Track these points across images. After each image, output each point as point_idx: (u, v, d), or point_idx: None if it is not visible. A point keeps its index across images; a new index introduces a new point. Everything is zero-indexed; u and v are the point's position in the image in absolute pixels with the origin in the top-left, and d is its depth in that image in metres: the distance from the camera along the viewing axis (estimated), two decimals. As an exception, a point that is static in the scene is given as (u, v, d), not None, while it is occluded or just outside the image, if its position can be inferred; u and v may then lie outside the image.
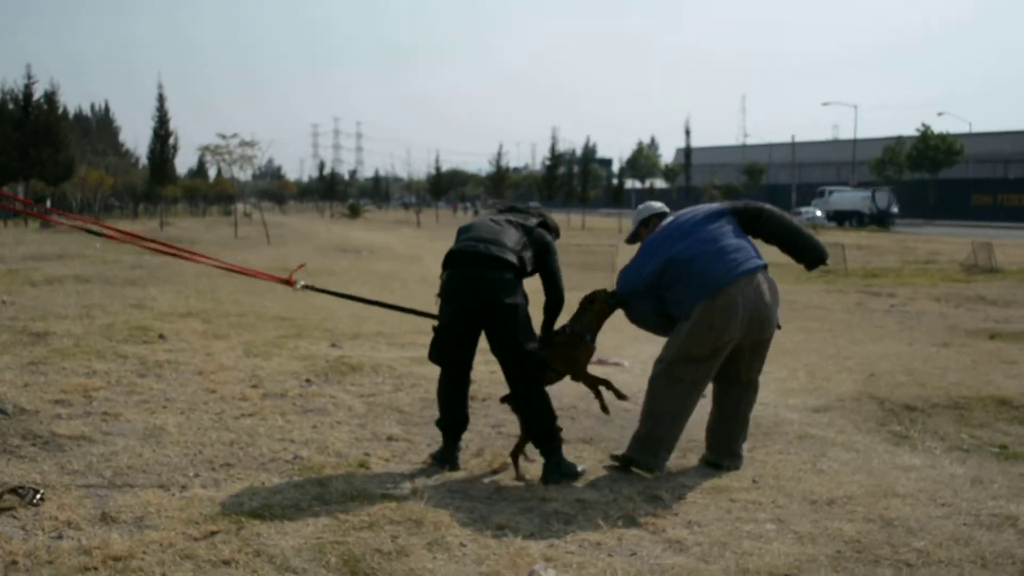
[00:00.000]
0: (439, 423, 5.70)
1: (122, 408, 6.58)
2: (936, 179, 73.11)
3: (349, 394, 7.36)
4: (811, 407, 7.38)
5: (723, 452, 5.81)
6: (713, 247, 5.53)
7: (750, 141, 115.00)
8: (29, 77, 47.20)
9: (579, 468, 5.51)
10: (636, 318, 5.85)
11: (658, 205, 6.16)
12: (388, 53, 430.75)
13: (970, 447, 6.38)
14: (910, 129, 74.98)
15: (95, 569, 3.89)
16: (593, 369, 6.04)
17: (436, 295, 5.66)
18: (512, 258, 5.37)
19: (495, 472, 5.50)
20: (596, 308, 5.75)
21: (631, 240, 6.17)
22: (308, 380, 7.73)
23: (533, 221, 5.69)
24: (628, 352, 9.40)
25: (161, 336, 9.45)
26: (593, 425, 6.60)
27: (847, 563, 4.18)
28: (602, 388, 5.78)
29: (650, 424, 5.58)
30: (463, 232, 5.64)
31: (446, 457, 5.62)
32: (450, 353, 5.59)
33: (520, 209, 5.90)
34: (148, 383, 7.38)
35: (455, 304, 5.47)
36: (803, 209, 73.03)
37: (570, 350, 5.70)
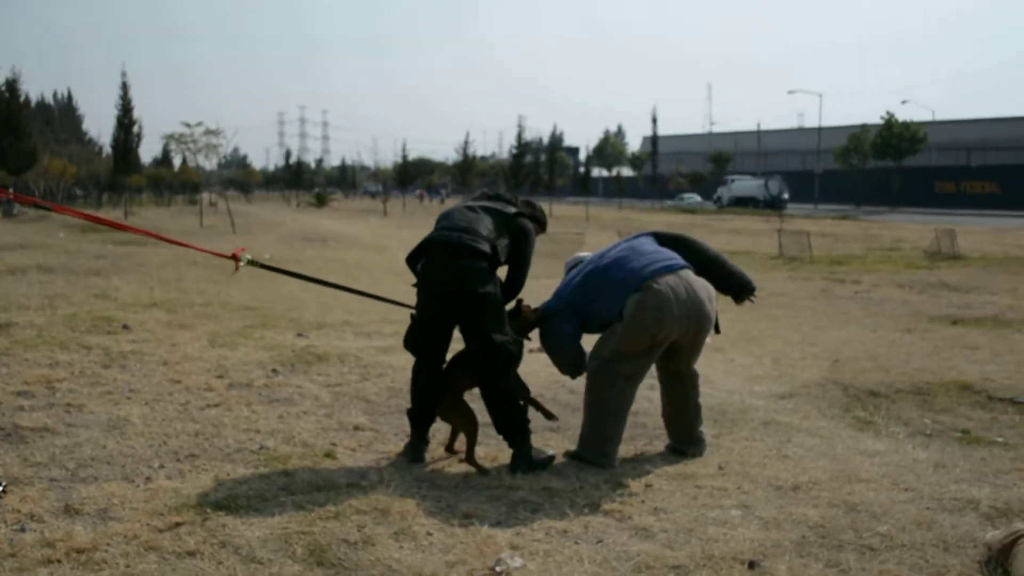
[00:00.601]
0: (409, 412, 5.66)
1: (86, 399, 6.53)
2: (900, 167, 73.76)
3: (315, 384, 7.33)
4: (776, 394, 7.43)
5: (685, 440, 5.84)
6: (631, 252, 5.61)
7: (716, 129, 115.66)
8: (-10, 65, 46.57)
9: (549, 452, 5.53)
10: (551, 338, 5.74)
11: (587, 254, 6.06)
12: (355, 41, 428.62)
13: (933, 432, 6.45)
14: (874, 117, 75.68)
15: (58, 562, 3.85)
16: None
17: (412, 284, 5.61)
18: (485, 247, 5.30)
19: (462, 461, 5.49)
20: (520, 321, 5.70)
21: None
22: (274, 370, 7.69)
23: (512, 209, 5.63)
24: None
25: (125, 326, 9.37)
26: (559, 413, 6.57)
27: (811, 548, 4.22)
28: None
29: (593, 422, 5.58)
30: (441, 220, 5.58)
31: (410, 448, 5.59)
32: (424, 342, 5.54)
33: (504, 198, 5.82)
34: (112, 374, 7.32)
35: (428, 293, 5.43)
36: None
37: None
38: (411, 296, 5.66)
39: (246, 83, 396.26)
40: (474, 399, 5.68)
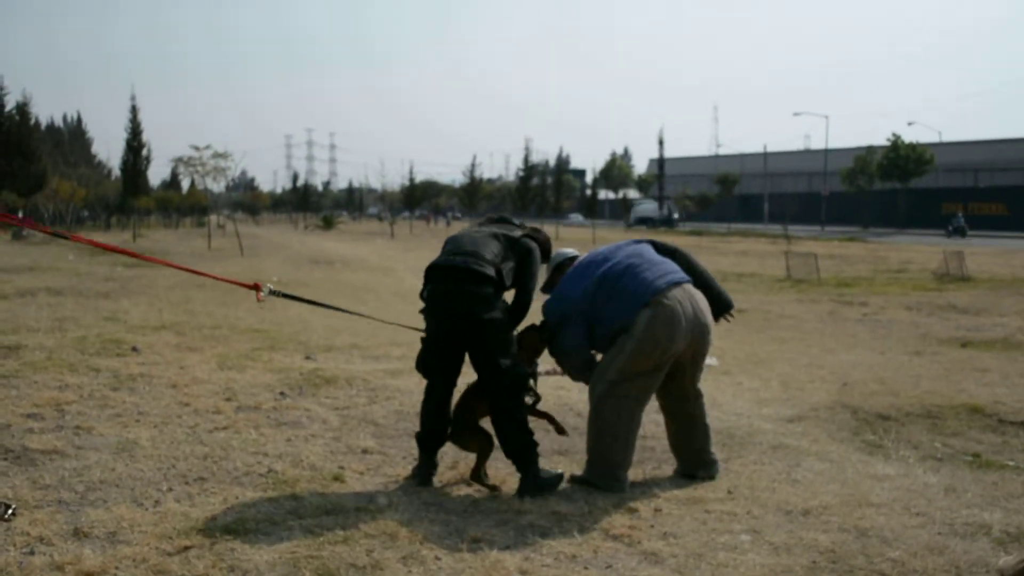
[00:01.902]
0: (417, 435, 5.63)
1: (95, 422, 6.53)
2: (907, 188, 73.70)
3: (323, 407, 7.32)
4: (785, 417, 7.41)
5: (695, 463, 5.81)
6: (642, 260, 5.60)
7: (723, 151, 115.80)
8: (1, 88, 46.90)
9: (557, 471, 5.51)
10: (563, 348, 5.66)
11: (570, 251, 6.10)
12: (362, 64, 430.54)
13: (943, 456, 6.42)
14: (881, 139, 75.67)
15: (67, 586, 3.85)
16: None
17: (420, 311, 5.61)
18: (490, 271, 5.28)
19: (470, 485, 5.48)
20: (527, 345, 5.67)
21: (546, 288, 6.02)
22: (282, 393, 7.69)
23: (518, 232, 5.65)
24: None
25: (134, 349, 9.39)
26: (568, 437, 6.58)
27: (822, 573, 4.20)
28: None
29: (603, 447, 5.51)
30: (447, 244, 5.58)
31: (418, 471, 5.56)
32: (433, 366, 5.54)
33: (509, 221, 5.84)
34: (121, 396, 7.32)
35: (436, 319, 5.43)
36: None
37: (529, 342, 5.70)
38: (419, 319, 5.66)
39: (254, 106, 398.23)
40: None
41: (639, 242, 5.90)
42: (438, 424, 5.56)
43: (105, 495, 5.04)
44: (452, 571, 4.15)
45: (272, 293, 6.16)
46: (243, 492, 5.16)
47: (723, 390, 8.40)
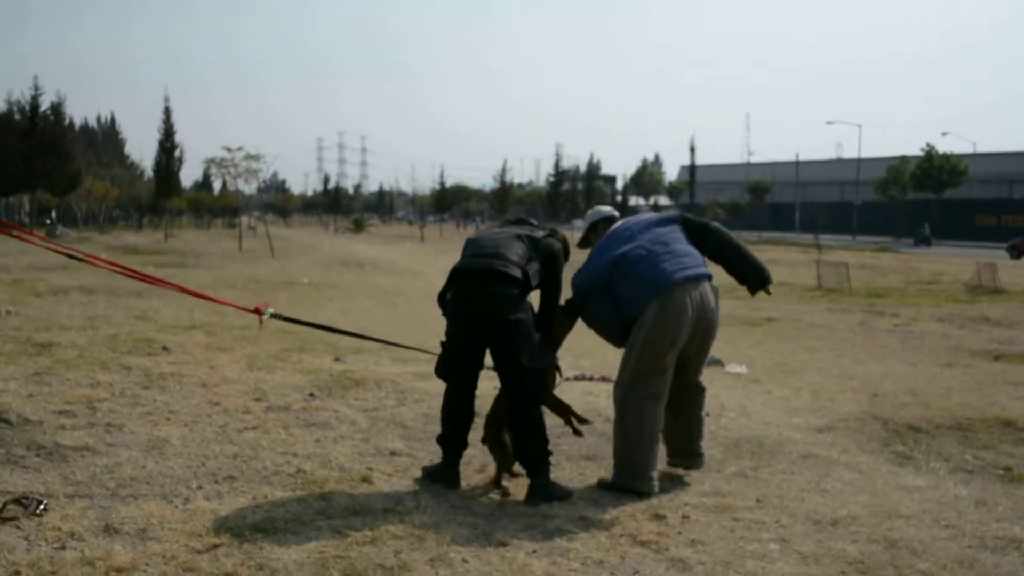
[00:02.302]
0: (439, 439, 5.68)
1: (126, 419, 6.58)
2: (940, 199, 73.16)
3: (352, 408, 7.35)
4: (815, 427, 7.37)
5: (685, 454, 5.91)
6: (664, 248, 5.59)
7: (754, 159, 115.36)
8: (36, 88, 47.46)
9: (568, 488, 5.46)
10: (593, 320, 5.78)
11: (607, 209, 6.22)
12: (391, 70, 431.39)
13: (974, 468, 6.37)
14: (914, 148, 75.15)
15: (97, 581, 3.88)
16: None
17: (444, 314, 5.62)
18: (516, 272, 5.28)
19: (498, 487, 5.48)
20: (555, 325, 5.74)
21: (582, 244, 6.20)
22: (311, 394, 7.72)
23: (540, 233, 5.65)
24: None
25: (165, 348, 9.45)
26: (596, 442, 6.58)
27: (851, 584, 4.17)
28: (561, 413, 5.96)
29: (628, 449, 5.55)
30: (468, 247, 5.61)
31: (445, 474, 5.56)
32: (455, 369, 5.55)
33: (529, 222, 5.84)
34: (152, 395, 7.38)
35: (459, 321, 5.43)
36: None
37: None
38: (441, 328, 5.65)
39: (283, 111, 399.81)
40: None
41: (671, 221, 5.90)
42: (461, 428, 5.60)
43: (135, 492, 5.08)
44: (479, 574, 4.16)
45: (273, 316, 6.36)
46: (272, 492, 5.19)
47: (753, 399, 8.37)
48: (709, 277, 5.67)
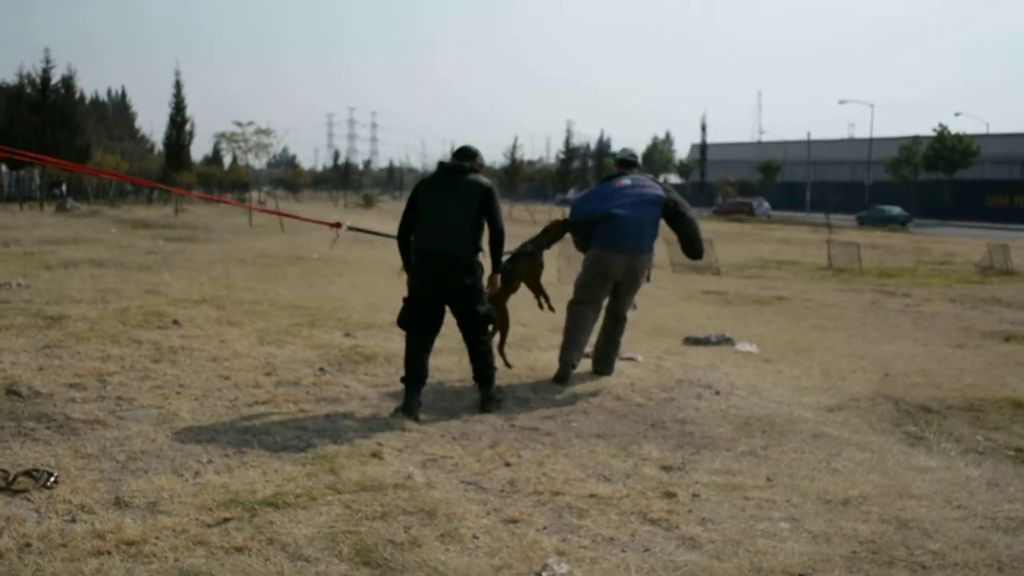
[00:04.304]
0: (404, 379, 6.68)
1: (136, 393, 6.59)
2: (952, 179, 72.84)
3: (362, 384, 7.35)
4: (825, 406, 7.34)
5: (605, 363, 8.02)
6: (634, 226, 7.73)
7: (766, 138, 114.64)
8: (47, 61, 47.51)
9: (503, 391, 7.06)
10: (576, 227, 7.98)
11: (629, 151, 8.46)
12: (403, 43, 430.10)
13: (985, 449, 6.35)
14: (927, 129, 74.80)
15: (108, 553, 3.89)
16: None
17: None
18: (469, 249, 6.65)
19: (508, 465, 5.48)
20: (553, 231, 8.07)
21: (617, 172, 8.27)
22: (322, 369, 7.72)
23: (479, 180, 6.74)
24: (641, 347, 9.38)
25: (175, 322, 9.45)
26: (606, 420, 6.59)
27: (862, 564, 4.16)
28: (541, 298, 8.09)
29: (568, 339, 7.77)
30: (428, 223, 6.72)
31: (406, 406, 6.51)
32: (422, 320, 6.81)
33: (467, 156, 6.93)
34: (162, 368, 7.39)
35: (428, 284, 6.75)
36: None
37: (531, 265, 7.92)
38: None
39: (294, 85, 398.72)
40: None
41: (658, 203, 7.85)
42: (422, 368, 6.76)
43: (146, 465, 5.09)
44: (490, 550, 4.16)
45: (351, 228, 8.56)
46: (282, 466, 5.19)
47: (763, 377, 8.35)
48: (646, 251, 7.84)
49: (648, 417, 6.72)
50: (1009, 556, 4.31)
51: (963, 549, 4.37)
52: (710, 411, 6.91)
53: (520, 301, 8.68)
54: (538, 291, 8.05)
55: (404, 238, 6.90)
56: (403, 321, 6.85)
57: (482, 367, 6.83)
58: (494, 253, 6.82)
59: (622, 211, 7.70)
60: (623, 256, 7.71)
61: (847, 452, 6.05)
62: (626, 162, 8.25)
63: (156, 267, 15.74)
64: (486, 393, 6.83)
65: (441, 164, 6.89)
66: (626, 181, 7.96)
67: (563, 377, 7.69)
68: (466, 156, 6.87)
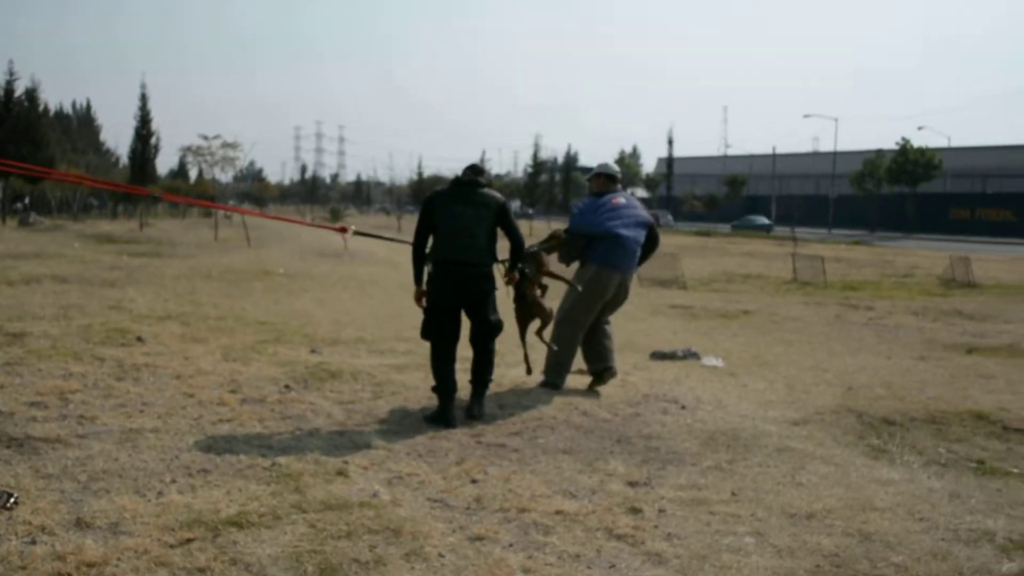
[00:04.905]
0: (436, 388, 6.86)
1: (98, 411, 6.52)
2: (915, 193, 73.62)
3: (328, 401, 7.31)
4: (790, 420, 7.39)
5: (606, 359, 8.06)
6: (634, 246, 8.06)
7: (731, 152, 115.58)
8: (11, 73, 47.08)
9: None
10: (569, 249, 8.11)
11: (614, 168, 8.52)
12: (372, 57, 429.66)
13: (948, 461, 6.40)
14: (890, 143, 75.61)
15: (69, 575, 3.84)
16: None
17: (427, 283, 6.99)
18: (488, 260, 6.94)
19: (474, 481, 5.47)
20: (557, 238, 8.13)
21: (589, 177, 8.61)
22: (287, 386, 7.67)
23: (493, 195, 7.02)
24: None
25: (139, 339, 9.37)
26: (573, 435, 6.59)
27: (826, 578, 4.18)
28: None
29: (557, 356, 7.95)
30: (454, 233, 6.82)
31: (445, 416, 6.73)
32: (445, 328, 6.91)
33: (480, 173, 7.14)
34: (125, 386, 7.32)
35: (449, 292, 6.86)
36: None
37: (538, 261, 7.83)
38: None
39: (263, 97, 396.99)
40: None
41: (647, 226, 8.20)
42: (453, 375, 6.92)
43: (108, 485, 5.03)
44: (455, 568, 4.14)
45: (356, 233, 8.83)
46: (246, 485, 5.15)
47: (728, 391, 8.39)
48: (634, 269, 8.27)
49: (614, 432, 6.73)
50: (971, 568, 4.35)
51: (925, 561, 4.40)
52: (676, 426, 6.93)
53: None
54: (538, 294, 8.00)
55: (420, 249, 7.07)
56: (428, 333, 6.97)
57: (484, 374, 7.07)
58: (514, 259, 7.33)
59: (624, 231, 7.94)
60: (619, 275, 7.95)
61: (811, 466, 6.09)
62: (613, 178, 8.36)
63: (120, 283, 15.61)
64: (479, 400, 7.03)
65: (456, 179, 7.09)
66: (621, 200, 8.18)
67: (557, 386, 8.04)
68: (478, 172, 7.13)
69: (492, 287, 7.03)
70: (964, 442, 6.94)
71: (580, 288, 7.88)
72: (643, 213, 8.27)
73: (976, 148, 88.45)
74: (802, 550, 4.52)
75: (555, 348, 7.95)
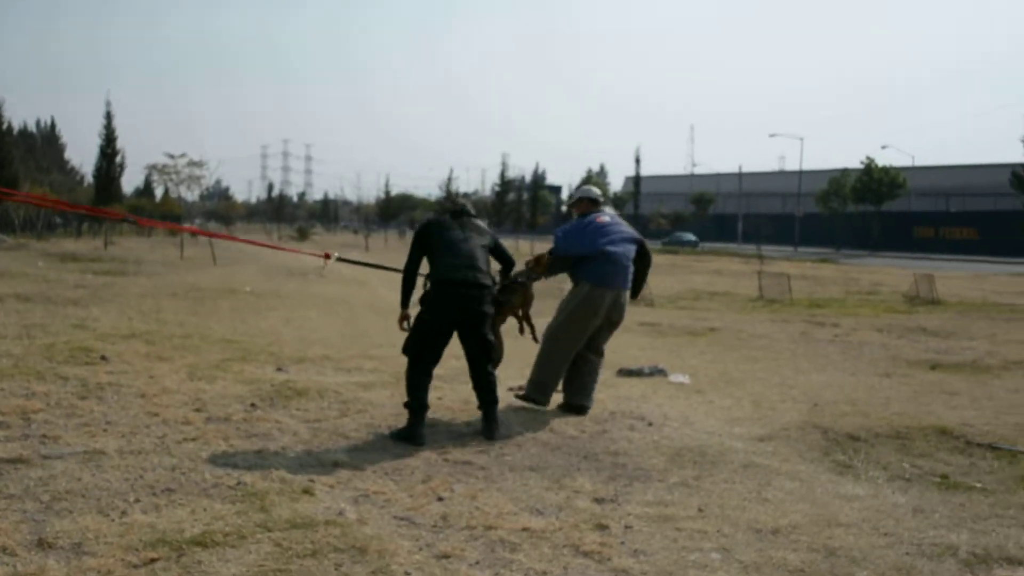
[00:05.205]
0: (409, 404, 6.87)
1: (61, 431, 6.46)
2: (879, 211, 74.35)
3: (294, 419, 7.27)
4: (756, 436, 7.43)
5: (583, 396, 7.94)
6: (625, 262, 7.95)
7: (698, 171, 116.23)
8: (-27, 92, 46.54)
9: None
10: (558, 262, 8.01)
11: (596, 192, 8.47)
12: (340, 76, 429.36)
13: (912, 477, 6.46)
14: (855, 162, 76.40)
15: (30, 597, 3.80)
16: None
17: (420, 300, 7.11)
18: (488, 280, 7.10)
19: (441, 499, 5.45)
20: (543, 263, 8.04)
21: (569, 204, 8.74)
22: (253, 404, 7.63)
23: (484, 225, 7.41)
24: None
25: (103, 357, 9.29)
26: (540, 452, 6.59)
27: (791, 593, 4.20)
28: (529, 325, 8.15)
29: (542, 373, 7.87)
30: (456, 254, 7.01)
31: (414, 434, 6.72)
32: (431, 347, 7.01)
33: (470, 210, 7.50)
34: (89, 405, 7.25)
35: (448, 311, 6.96)
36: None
37: (524, 292, 7.98)
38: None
39: (230, 115, 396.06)
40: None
41: (636, 242, 8.11)
42: (426, 394, 7.01)
43: (71, 505, 4.98)
44: (421, 586, 4.13)
45: (340, 259, 8.82)
46: (211, 504, 5.11)
47: (695, 408, 8.42)
48: (629, 286, 8.06)
49: (581, 449, 6.74)
50: (934, 583, 4.38)
51: (889, 576, 4.43)
52: (643, 443, 6.95)
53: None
54: (528, 320, 8.15)
55: (412, 274, 7.24)
56: (413, 348, 7.04)
57: (490, 394, 7.13)
58: (505, 277, 7.78)
59: (613, 248, 7.86)
60: (612, 292, 7.81)
61: (777, 482, 6.12)
62: (595, 201, 8.31)
63: (84, 301, 15.45)
64: (492, 419, 7.08)
65: (450, 212, 7.46)
66: (606, 218, 8.13)
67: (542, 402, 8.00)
68: (465, 203, 7.62)
69: (490, 308, 7.14)
70: (928, 457, 7.00)
71: (564, 316, 7.87)
72: (630, 230, 8.20)
73: (940, 167, 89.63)
74: (768, 565, 4.53)
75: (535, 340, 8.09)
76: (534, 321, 8.23)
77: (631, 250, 8.04)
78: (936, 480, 6.38)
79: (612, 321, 7.99)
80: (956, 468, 6.73)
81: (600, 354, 8.13)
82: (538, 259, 8.18)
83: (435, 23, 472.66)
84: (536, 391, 7.87)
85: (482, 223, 7.42)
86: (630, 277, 8.03)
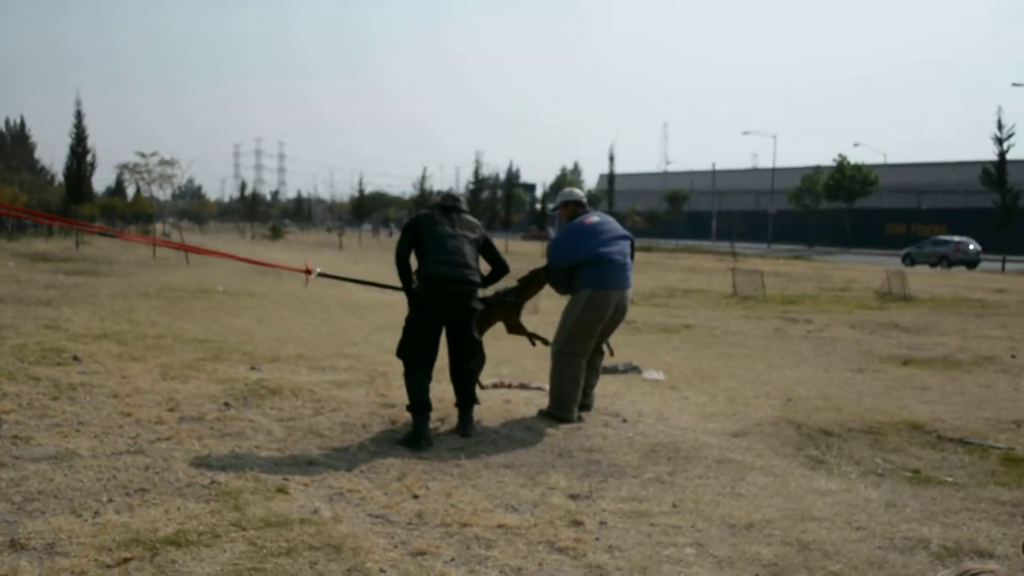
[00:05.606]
0: (411, 408, 6.87)
1: (33, 432, 6.41)
2: (852, 208, 74.84)
3: (268, 418, 7.25)
4: (730, 432, 7.47)
5: (584, 395, 7.80)
6: (622, 259, 7.76)
7: (672, 168, 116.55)
8: (-59, 91, 46.07)
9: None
10: (555, 279, 7.85)
11: (579, 193, 8.29)
12: (311, 76, 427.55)
13: (884, 471, 6.51)
14: (827, 159, 76.87)
15: (2, 598, 3.77)
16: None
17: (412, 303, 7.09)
18: (477, 278, 7.08)
19: (416, 497, 5.45)
20: (538, 282, 7.96)
21: (554, 208, 8.49)
22: (226, 404, 7.60)
23: (474, 222, 7.36)
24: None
25: (75, 358, 9.23)
26: (515, 450, 6.60)
27: (765, 587, 4.23)
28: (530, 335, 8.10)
29: (559, 391, 7.64)
30: (447, 253, 6.97)
31: (421, 436, 6.69)
32: (425, 348, 6.99)
33: (462, 206, 7.38)
34: (61, 406, 7.20)
35: (439, 310, 6.96)
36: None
37: (507, 309, 7.91)
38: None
39: (201, 114, 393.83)
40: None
41: (628, 239, 7.98)
42: (428, 393, 6.97)
43: (43, 506, 4.94)
44: (396, 584, 4.12)
45: (321, 275, 8.32)
46: (185, 503, 5.09)
47: (669, 404, 8.45)
48: (630, 284, 7.81)
49: (556, 446, 6.75)
50: (906, 575, 4.42)
51: (862, 569, 4.47)
52: (617, 439, 6.98)
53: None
54: (522, 332, 8.07)
55: (405, 260, 7.18)
56: (406, 351, 7.03)
57: (468, 393, 7.16)
58: (495, 281, 7.63)
59: (606, 248, 7.67)
60: (615, 293, 7.64)
61: (751, 477, 6.15)
62: (580, 203, 8.16)
63: (56, 302, 15.34)
64: (468, 419, 7.11)
65: (440, 205, 7.34)
66: (595, 219, 7.93)
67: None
68: (457, 199, 7.41)
69: (479, 306, 7.19)
70: (900, 452, 7.05)
71: (571, 320, 7.66)
72: (619, 227, 8.00)
73: (911, 165, 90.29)
74: (742, 560, 4.56)
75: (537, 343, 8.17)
76: (531, 327, 8.20)
77: (626, 247, 7.85)
78: (908, 475, 6.43)
79: (615, 320, 7.85)
80: (928, 463, 6.79)
81: (601, 352, 8.04)
82: (533, 277, 8.00)
83: (417, 15, 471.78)
84: (559, 408, 7.62)
85: (472, 219, 7.36)
86: (630, 274, 7.84)
